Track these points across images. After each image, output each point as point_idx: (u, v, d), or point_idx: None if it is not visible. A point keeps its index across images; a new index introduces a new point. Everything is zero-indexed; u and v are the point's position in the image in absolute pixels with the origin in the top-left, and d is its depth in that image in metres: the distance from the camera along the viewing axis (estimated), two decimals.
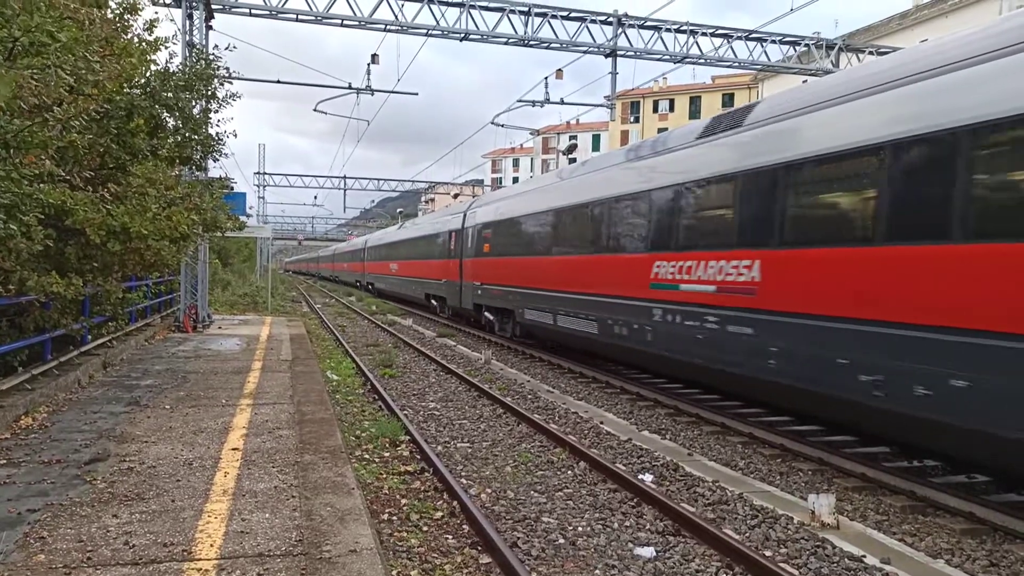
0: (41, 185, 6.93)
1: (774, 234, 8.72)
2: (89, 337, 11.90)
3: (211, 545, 4.66)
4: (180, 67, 12.13)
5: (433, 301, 28.13)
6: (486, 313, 20.70)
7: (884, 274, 7.17)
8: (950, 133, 6.65)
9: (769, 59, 24.03)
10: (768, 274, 8.77)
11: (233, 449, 7.03)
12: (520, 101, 26.79)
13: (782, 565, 5.27)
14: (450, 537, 5.85)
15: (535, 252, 16.71)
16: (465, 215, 23.39)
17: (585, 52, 22.23)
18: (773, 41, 23.65)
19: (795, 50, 24.42)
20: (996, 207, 6.36)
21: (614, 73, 22.81)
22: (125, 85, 9.06)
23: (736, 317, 9.28)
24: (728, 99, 63.64)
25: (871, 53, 24.81)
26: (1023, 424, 5.83)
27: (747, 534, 6.05)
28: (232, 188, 20.43)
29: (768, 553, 5.61)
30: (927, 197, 6.86)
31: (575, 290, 14.27)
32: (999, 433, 6.03)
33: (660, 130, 51.48)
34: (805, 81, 22.53)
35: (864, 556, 5.52)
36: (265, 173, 53.73)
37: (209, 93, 12.13)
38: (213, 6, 18.68)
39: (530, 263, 16.90)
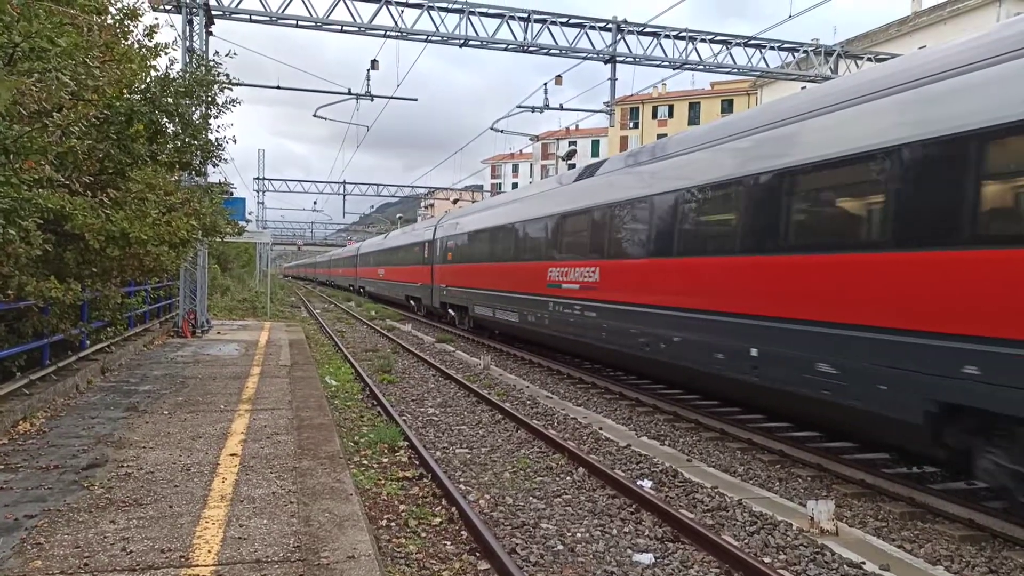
0: (40, 190, 6.93)
1: (605, 251, 13.35)
2: (88, 342, 11.89)
3: (209, 551, 4.65)
4: (180, 73, 12.15)
5: (411, 301, 32.76)
6: (449, 310, 25.30)
7: (645, 276, 11.88)
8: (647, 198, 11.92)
9: (768, 65, 24.08)
10: (603, 277, 13.40)
11: (231, 455, 7.02)
12: (520, 107, 26.84)
13: (781, 572, 5.26)
14: (448, 543, 5.84)
15: (478, 260, 21.51)
16: (436, 228, 27.62)
17: (584, 58, 22.28)
18: (772, 48, 23.70)
19: (794, 57, 24.50)
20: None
21: (613, 79, 22.86)
22: (125, 91, 9.06)
23: (589, 306, 13.84)
24: (727, 105, 63.76)
25: (869, 60, 24.88)
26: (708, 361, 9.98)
27: (746, 540, 6.04)
28: (231, 193, 20.46)
29: (767, 560, 5.60)
30: (650, 233, 11.79)
31: (504, 289, 19.02)
32: (705, 371, 10.15)
33: (659, 135, 51.55)
34: (804, 87, 22.58)
35: (863, 563, 5.51)
36: (265, 178, 53.75)
37: (209, 99, 12.14)
38: (213, 12, 18.72)
39: (475, 268, 21.79)
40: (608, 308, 12.97)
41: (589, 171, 15.09)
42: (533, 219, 17.16)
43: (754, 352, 8.99)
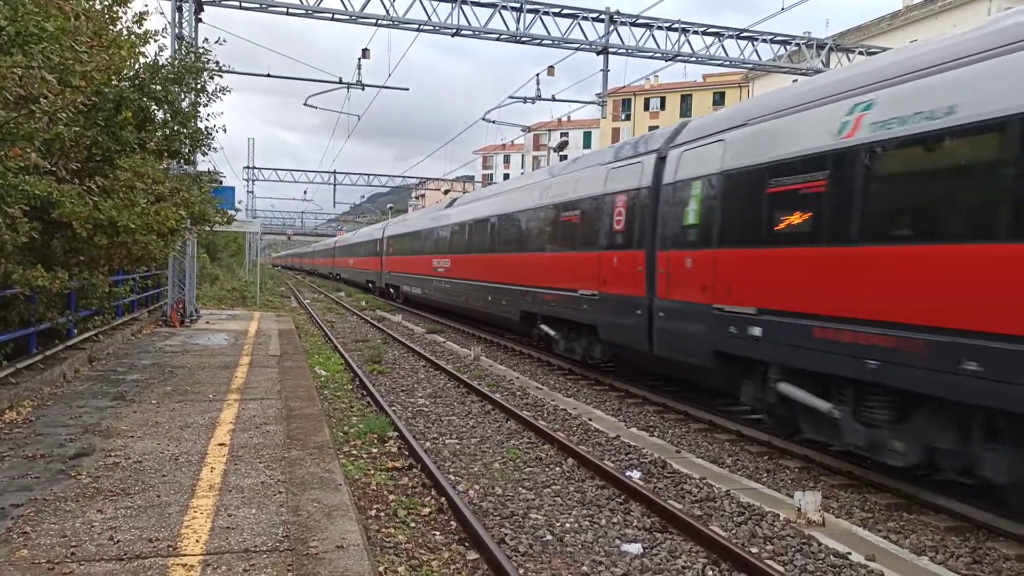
0: (27, 177, 6.86)
1: (450, 249, 23.66)
2: (75, 331, 11.82)
3: (197, 540, 4.64)
4: (169, 60, 12.03)
5: (369, 284, 43.60)
6: (389, 288, 36.07)
7: (464, 263, 22.02)
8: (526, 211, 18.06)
9: (760, 58, 24.09)
10: (452, 264, 23.29)
11: (220, 444, 7.00)
12: (512, 98, 26.80)
13: (768, 562, 5.30)
14: (437, 533, 5.85)
15: (405, 253, 31.80)
16: (385, 228, 38.78)
17: (577, 49, 22.22)
18: (764, 40, 23.70)
19: (786, 49, 24.50)
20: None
21: (605, 70, 22.82)
22: (114, 77, 8.98)
23: (447, 281, 23.88)
24: (719, 97, 63.79)
25: (861, 53, 24.92)
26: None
27: (733, 531, 6.08)
28: (221, 182, 20.32)
29: (754, 550, 5.64)
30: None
31: (416, 273, 28.87)
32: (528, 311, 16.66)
33: (652, 127, 51.54)
34: (795, 80, 22.60)
35: (849, 553, 5.56)
36: (254, 167, 53.43)
37: (199, 86, 12.03)
38: None
39: (403, 259, 32.19)
40: (461, 283, 22.38)
41: (451, 203, 26.83)
42: (426, 229, 27.80)
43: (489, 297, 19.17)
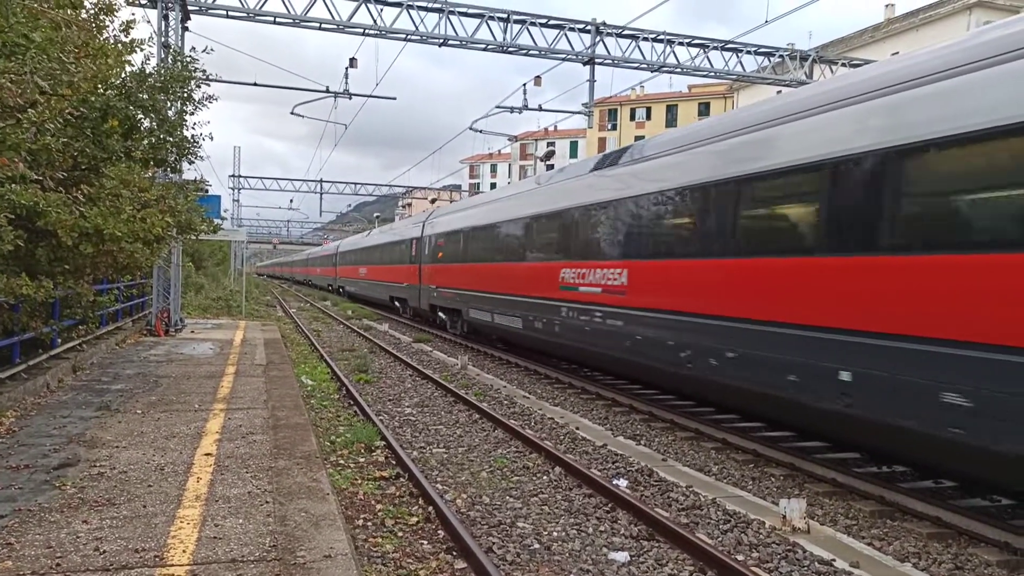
0: (13, 186, 6.83)
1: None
2: (59, 340, 11.72)
3: (184, 551, 4.62)
4: (156, 69, 12.01)
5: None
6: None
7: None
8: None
9: (744, 69, 24.34)
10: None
11: (206, 454, 6.97)
12: (499, 107, 26.89)
13: (754, 569, 5.34)
14: (425, 542, 5.85)
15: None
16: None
17: (563, 59, 22.37)
18: (748, 52, 23.96)
19: (770, 61, 24.77)
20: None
21: (592, 81, 22.97)
22: (100, 86, 8.95)
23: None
24: (704, 108, 64.27)
25: (844, 65, 25.23)
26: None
27: (720, 539, 6.12)
28: (207, 191, 20.23)
29: (740, 557, 5.68)
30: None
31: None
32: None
33: (637, 137, 51.87)
34: (779, 92, 22.83)
35: (834, 560, 5.61)
36: (240, 176, 53.23)
37: (185, 95, 12.02)
38: (189, 7, 18.53)
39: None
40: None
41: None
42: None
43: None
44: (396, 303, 31.27)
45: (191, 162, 13.85)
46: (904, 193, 6.69)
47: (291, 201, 74.66)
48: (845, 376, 7.02)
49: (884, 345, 6.62)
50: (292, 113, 29.07)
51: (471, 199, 27.75)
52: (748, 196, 8.80)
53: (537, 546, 5.87)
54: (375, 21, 20.17)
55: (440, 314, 23.69)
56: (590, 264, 12.61)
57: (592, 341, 12.52)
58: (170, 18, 18.01)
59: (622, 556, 5.67)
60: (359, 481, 7.31)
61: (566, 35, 22.03)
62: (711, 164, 9.49)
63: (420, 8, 20.46)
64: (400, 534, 5.98)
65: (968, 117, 6.08)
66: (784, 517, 6.28)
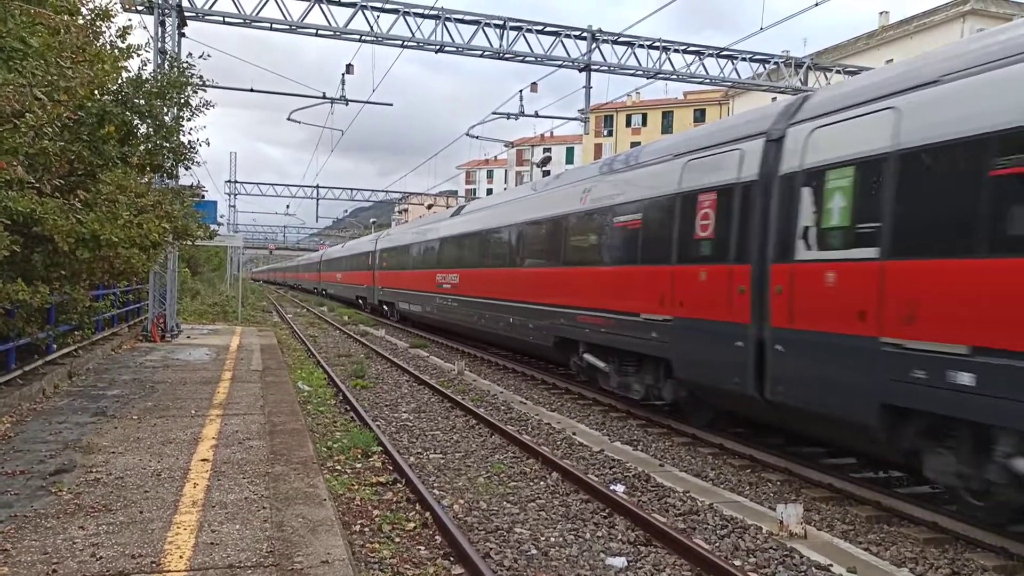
0: (10, 192, 6.82)
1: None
2: (54, 346, 11.69)
3: (180, 557, 4.61)
4: (153, 74, 12.02)
5: (359, 300, 43.27)
6: (323, 285, 42.93)
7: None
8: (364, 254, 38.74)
9: (739, 76, 24.40)
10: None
11: (202, 460, 6.96)
12: (495, 113, 26.93)
13: (751, 574, 5.35)
14: (422, 548, 5.84)
15: (330, 270, 44.12)
16: (322, 255, 44.33)
17: (560, 66, 22.41)
18: (743, 59, 24.04)
19: (765, 68, 24.86)
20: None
21: (588, 87, 23.01)
22: (97, 91, 8.95)
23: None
24: (699, 114, 64.47)
25: (838, 72, 25.35)
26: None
27: (717, 544, 6.12)
28: (203, 196, 20.21)
29: (737, 563, 5.68)
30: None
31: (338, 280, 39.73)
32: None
33: (633, 144, 52.05)
34: (775, 99, 22.93)
35: (831, 565, 5.62)
36: (236, 181, 53.19)
37: (182, 101, 12.01)
38: (186, 14, 18.54)
39: (325, 275, 45.68)
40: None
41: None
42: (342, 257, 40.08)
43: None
44: (359, 300, 40.33)
45: (188, 167, 13.83)
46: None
47: (287, 207, 74.56)
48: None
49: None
50: (289, 119, 29.10)
51: (401, 227, 39.68)
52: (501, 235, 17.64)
53: (534, 551, 5.87)
54: (371, 27, 20.19)
55: (384, 307, 33.43)
56: (445, 271, 22.05)
57: (445, 316, 22.31)
58: (167, 24, 18.02)
59: (620, 562, 5.66)
60: (356, 487, 7.30)
61: (562, 42, 22.08)
62: (481, 221, 19.66)
63: (416, 15, 20.49)
64: (397, 540, 5.97)
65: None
66: (781, 522, 6.28)
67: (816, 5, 18.22)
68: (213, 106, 13.04)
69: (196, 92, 12.40)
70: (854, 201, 7.10)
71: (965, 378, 5.87)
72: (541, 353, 15.80)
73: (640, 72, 23.00)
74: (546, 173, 33.30)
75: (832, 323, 7.17)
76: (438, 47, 20.84)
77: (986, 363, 5.74)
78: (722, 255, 8.91)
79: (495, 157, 69.21)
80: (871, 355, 6.67)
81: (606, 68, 22.66)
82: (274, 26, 19.74)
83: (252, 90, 24.52)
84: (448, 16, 20.74)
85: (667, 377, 10.27)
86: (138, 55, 11.72)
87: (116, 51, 11.22)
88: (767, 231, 8.19)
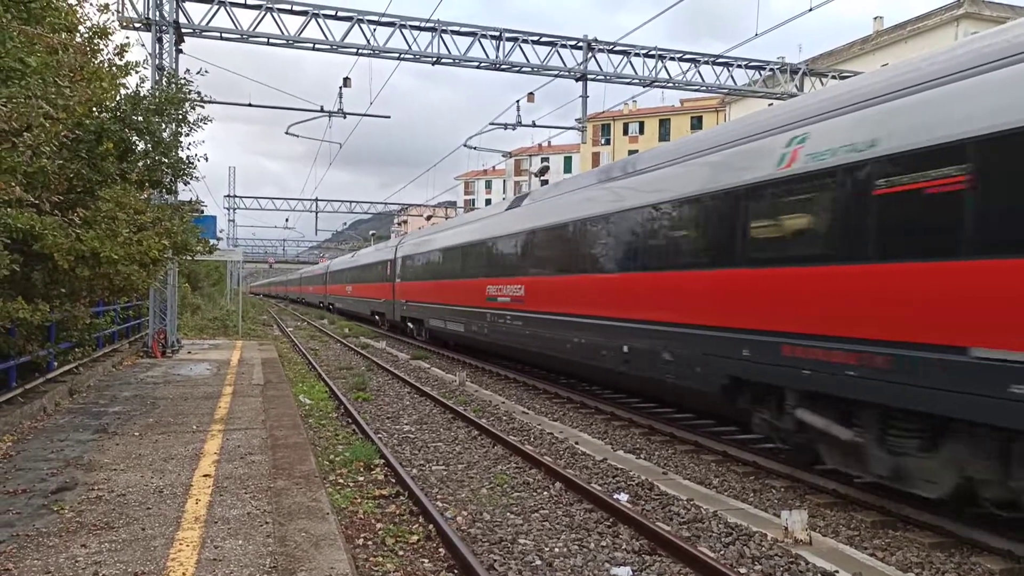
0: (9, 210, 6.84)
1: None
2: (55, 364, 11.68)
3: (183, 573, 4.59)
4: (151, 91, 12.06)
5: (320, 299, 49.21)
6: (330, 299, 44.78)
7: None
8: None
9: (735, 83, 24.51)
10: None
11: (204, 475, 6.94)
12: (493, 124, 26.97)
13: None
14: (426, 561, 5.81)
15: (339, 282, 44.64)
16: (328, 266, 46.37)
17: (556, 76, 22.50)
18: (739, 66, 24.14)
19: (760, 74, 24.96)
20: None
21: (585, 96, 23.09)
22: (95, 109, 8.99)
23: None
24: (696, 121, 64.64)
25: (834, 77, 25.43)
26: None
27: (722, 552, 6.10)
28: (202, 211, 20.25)
29: (743, 570, 5.66)
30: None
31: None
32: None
33: (631, 151, 52.19)
34: (771, 104, 22.99)
35: (837, 572, 5.59)
36: (235, 196, 53.28)
37: (180, 117, 12.05)
38: (183, 30, 18.63)
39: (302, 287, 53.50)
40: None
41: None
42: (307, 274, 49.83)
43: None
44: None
45: (186, 183, 13.86)
46: None
47: (286, 220, 74.64)
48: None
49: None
50: (287, 133, 29.16)
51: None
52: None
53: (539, 562, 5.84)
54: (368, 41, 20.28)
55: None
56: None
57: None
58: (164, 40, 18.10)
59: (624, 571, 5.64)
60: (359, 500, 7.27)
61: (558, 52, 22.18)
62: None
63: (413, 27, 20.60)
64: (401, 553, 5.95)
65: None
66: (786, 529, 6.26)
67: (810, 10, 18.30)
68: (211, 121, 13.09)
69: (194, 108, 12.45)
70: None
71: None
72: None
73: (636, 80, 23.10)
74: (544, 182, 33.28)
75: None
76: (435, 59, 20.93)
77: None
78: None
79: (493, 167, 69.34)
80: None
81: (602, 77, 22.77)
82: (271, 41, 19.84)
83: (250, 104, 24.57)
84: (444, 28, 20.84)
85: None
86: (136, 72, 11.77)
87: (114, 68, 11.26)
88: None
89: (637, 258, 11.18)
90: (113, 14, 11.69)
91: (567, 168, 76.23)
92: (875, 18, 45.87)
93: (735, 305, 8.70)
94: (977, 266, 5.90)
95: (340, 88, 23.79)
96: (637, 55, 22.85)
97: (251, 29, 19.43)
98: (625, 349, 11.19)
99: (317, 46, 20.15)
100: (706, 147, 9.96)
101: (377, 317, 35.14)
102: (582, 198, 13.59)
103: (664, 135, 66.04)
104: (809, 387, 7.55)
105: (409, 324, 27.92)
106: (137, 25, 17.71)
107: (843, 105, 7.60)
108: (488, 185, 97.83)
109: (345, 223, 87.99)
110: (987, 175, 5.89)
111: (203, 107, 12.87)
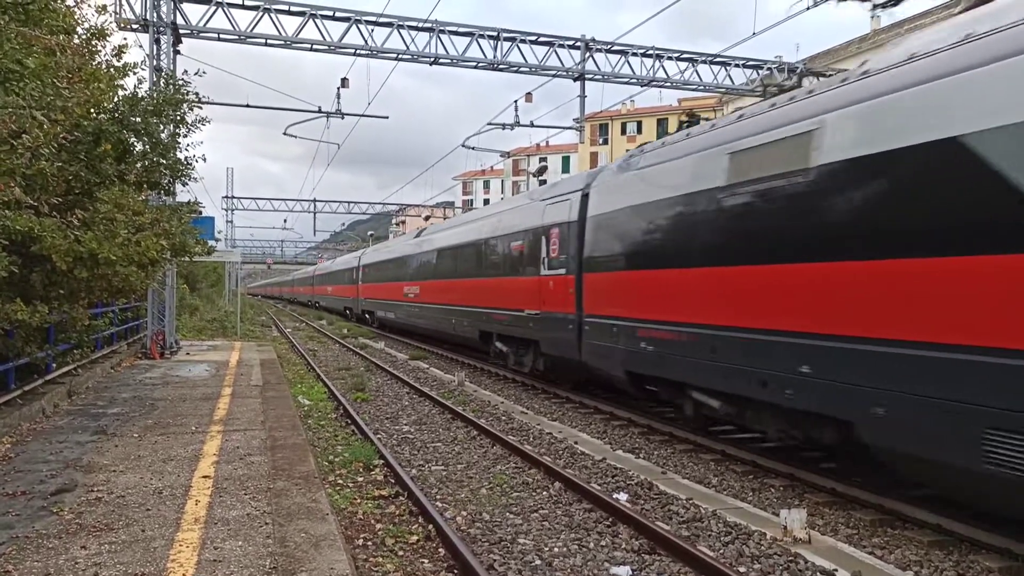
0: (7, 212, 6.83)
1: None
2: (54, 365, 11.67)
3: (183, 574, 4.59)
4: (148, 92, 12.04)
5: (347, 310, 48.61)
6: (316, 298, 56.05)
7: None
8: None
9: (733, 82, 24.52)
10: (317, 287, 59.05)
11: (204, 477, 6.94)
12: (491, 124, 26.97)
13: None
14: (426, 561, 5.82)
15: (322, 284, 53.93)
16: (315, 270, 50.04)
17: (554, 75, 22.50)
18: (736, 65, 24.15)
19: (758, 73, 24.96)
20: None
21: (583, 96, 23.09)
22: (93, 110, 8.98)
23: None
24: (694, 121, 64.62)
25: (831, 75, 25.45)
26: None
27: (721, 551, 6.11)
28: (200, 212, 20.24)
29: (742, 569, 5.67)
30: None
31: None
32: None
33: (627, 150, 52.31)
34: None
35: (836, 570, 5.60)
36: (233, 197, 53.23)
37: (178, 118, 12.03)
38: (181, 31, 18.62)
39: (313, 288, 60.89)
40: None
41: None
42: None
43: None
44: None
45: (185, 184, 13.84)
46: None
47: (285, 221, 74.57)
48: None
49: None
50: (285, 134, 29.12)
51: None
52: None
53: (538, 562, 5.85)
54: (366, 41, 20.28)
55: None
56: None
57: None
58: (162, 42, 18.08)
59: (624, 571, 5.65)
60: (358, 500, 7.28)
61: (556, 52, 22.18)
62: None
63: (410, 28, 20.59)
64: (401, 553, 5.95)
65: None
66: (785, 528, 6.27)
67: (807, 9, 18.31)
68: (209, 122, 13.04)
69: (192, 109, 12.42)
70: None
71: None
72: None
73: (634, 80, 23.10)
74: (542, 182, 33.31)
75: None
76: (432, 59, 20.93)
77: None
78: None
79: (491, 167, 69.34)
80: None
81: (600, 77, 22.77)
82: (269, 42, 19.83)
83: (248, 105, 24.55)
84: (442, 28, 20.84)
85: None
86: (134, 73, 11.74)
87: (111, 70, 11.24)
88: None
89: (456, 271, 21.15)
90: (111, 15, 11.67)
91: (565, 168, 76.24)
92: (872, 16, 45.90)
93: (482, 297, 18.38)
94: None
95: (338, 89, 23.78)
96: (635, 55, 22.86)
97: (249, 30, 19.42)
98: (452, 320, 21.13)
99: (315, 47, 20.14)
100: (464, 220, 23.39)
101: (348, 311, 44.72)
102: (443, 234, 23.77)
103: (662, 134, 66.01)
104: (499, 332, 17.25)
105: (367, 315, 37.71)
106: (135, 26, 17.69)
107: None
108: (486, 185, 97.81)
109: (343, 223, 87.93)
110: None
111: (201, 108, 12.84)
